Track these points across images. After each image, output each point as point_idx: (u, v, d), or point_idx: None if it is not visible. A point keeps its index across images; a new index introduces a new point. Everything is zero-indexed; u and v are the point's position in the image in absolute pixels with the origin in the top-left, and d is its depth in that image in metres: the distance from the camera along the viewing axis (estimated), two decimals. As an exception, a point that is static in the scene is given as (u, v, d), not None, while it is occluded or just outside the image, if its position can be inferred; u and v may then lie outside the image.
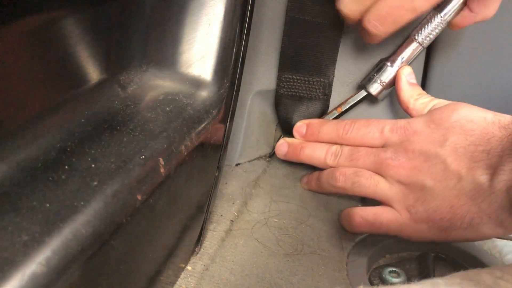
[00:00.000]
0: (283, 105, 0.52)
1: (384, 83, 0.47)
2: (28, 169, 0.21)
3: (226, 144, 0.36)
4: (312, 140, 0.48)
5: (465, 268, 0.31)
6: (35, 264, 0.17)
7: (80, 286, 0.19)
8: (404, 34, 0.48)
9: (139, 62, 0.31)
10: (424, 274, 0.38)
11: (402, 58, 0.47)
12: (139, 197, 0.23)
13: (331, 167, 0.45)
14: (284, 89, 0.51)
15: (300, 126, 0.49)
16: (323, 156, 0.45)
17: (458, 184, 0.36)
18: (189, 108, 0.30)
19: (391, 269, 0.39)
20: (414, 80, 0.47)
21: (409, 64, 0.47)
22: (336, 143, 0.45)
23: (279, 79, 0.51)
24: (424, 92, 0.46)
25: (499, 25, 0.48)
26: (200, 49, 0.32)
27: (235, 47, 0.33)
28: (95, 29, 0.27)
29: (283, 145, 0.49)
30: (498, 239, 0.42)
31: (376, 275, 0.40)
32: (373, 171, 0.41)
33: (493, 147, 0.35)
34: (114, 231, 0.21)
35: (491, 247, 0.42)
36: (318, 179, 0.47)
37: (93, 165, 0.23)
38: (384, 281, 0.39)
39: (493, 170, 0.34)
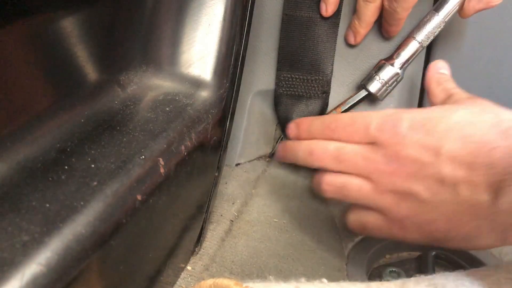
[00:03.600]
0: (282, 105, 0.52)
1: (384, 81, 0.47)
2: (28, 169, 0.21)
3: (226, 144, 0.36)
4: (303, 138, 0.44)
5: (465, 268, 0.32)
6: (35, 264, 0.17)
7: (80, 286, 0.19)
8: (403, 34, 0.48)
9: (139, 62, 0.31)
10: (424, 274, 0.38)
11: (402, 57, 0.47)
12: (139, 197, 0.23)
13: (316, 166, 0.42)
14: (283, 89, 0.51)
15: (290, 128, 0.46)
16: (305, 155, 0.42)
17: (456, 199, 0.32)
18: (189, 108, 0.30)
19: (391, 269, 0.39)
20: (445, 71, 0.43)
21: (409, 64, 0.47)
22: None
23: (278, 78, 0.51)
24: (451, 80, 0.42)
25: (500, 23, 0.48)
26: (200, 49, 0.32)
27: (235, 47, 0.33)
28: (95, 29, 0.27)
29: (280, 148, 0.47)
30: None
31: (376, 275, 0.40)
32: (363, 175, 0.38)
33: (495, 161, 0.31)
34: (114, 231, 0.21)
35: (491, 247, 0.42)
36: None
37: (93, 165, 0.23)
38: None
39: (495, 188, 0.30)
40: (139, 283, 0.28)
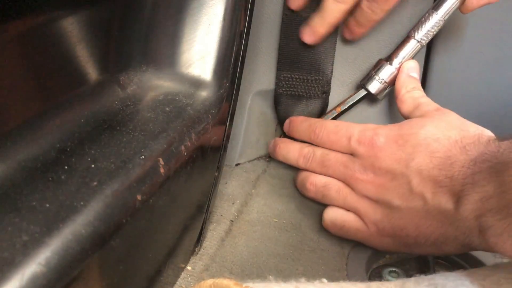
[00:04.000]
0: (282, 105, 0.52)
1: (384, 81, 0.47)
2: (28, 169, 0.21)
3: (226, 144, 0.36)
4: (294, 136, 0.49)
5: (465, 268, 0.32)
6: (35, 264, 0.17)
7: (80, 286, 0.19)
8: (402, 33, 0.48)
9: (139, 62, 0.31)
10: (424, 274, 0.38)
11: (401, 57, 0.47)
12: (139, 197, 0.23)
13: (304, 168, 0.46)
14: (283, 89, 0.51)
15: (286, 123, 0.51)
16: (295, 158, 0.46)
17: (424, 207, 0.36)
18: (189, 108, 0.30)
19: (391, 269, 0.39)
20: (415, 74, 0.46)
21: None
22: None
23: (278, 78, 0.51)
24: (419, 86, 0.45)
25: (499, 22, 0.48)
26: (200, 49, 0.32)
27: (235, 47, 0.33)
28: (95, 29, 0.27)
29: (271, 144, 0.52)
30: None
31: (376, 275, 0.40)
32: (342, 181, 0.42)
33: (455, 173, 0.34)
34: (114, 231, 0.21)
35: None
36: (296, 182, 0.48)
37: (93, 165, 0.23)
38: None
39: (457, 197, 0.34)
40: (139, 283, 0.28)
